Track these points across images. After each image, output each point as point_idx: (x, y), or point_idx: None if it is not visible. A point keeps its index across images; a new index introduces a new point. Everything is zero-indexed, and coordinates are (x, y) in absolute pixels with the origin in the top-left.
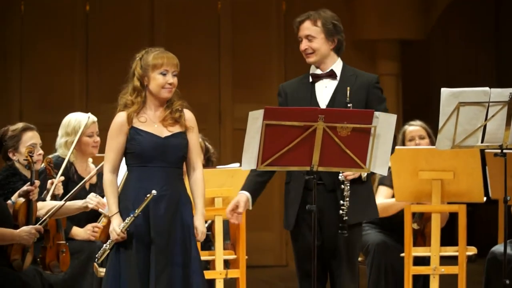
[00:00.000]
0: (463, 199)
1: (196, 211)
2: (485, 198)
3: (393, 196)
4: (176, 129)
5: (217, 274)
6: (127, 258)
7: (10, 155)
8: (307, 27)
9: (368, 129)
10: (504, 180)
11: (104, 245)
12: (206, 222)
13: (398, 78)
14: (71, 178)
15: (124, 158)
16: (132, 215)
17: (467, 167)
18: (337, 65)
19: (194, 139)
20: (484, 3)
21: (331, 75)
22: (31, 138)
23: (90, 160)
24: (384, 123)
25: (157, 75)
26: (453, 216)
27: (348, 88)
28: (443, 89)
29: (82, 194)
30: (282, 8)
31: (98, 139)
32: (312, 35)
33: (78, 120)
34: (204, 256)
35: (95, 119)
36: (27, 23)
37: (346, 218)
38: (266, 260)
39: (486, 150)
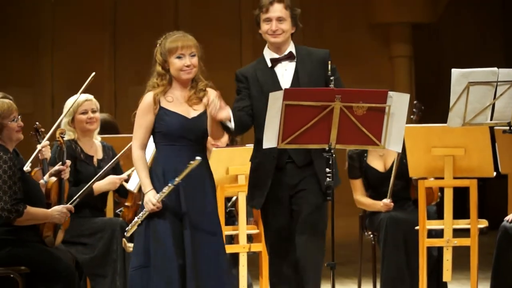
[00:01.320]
0: (474, 174)
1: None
2: (495, 173)
3: (365, 184)
4: (201, 107)
5: (241, 248)
6: (158, 232)
7: None
8: (279, 9)
9: (383, 108)
10: None
11: (136, 217)
12: (230, 199)
13: (410, 60)
14: (78, 158)
15: (152, 137)
16: (171, 184)
17: (478, 144)
18: (292, 47)
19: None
20: None
21: (290, 57)
22: None
23: (98, 138)
24: (398, 102)
25: (174, 59)
26: (464, 190)
27: (329, 62)
28: (453, 70)
29: (91, 170)
30: None
31: (93, 115)
32: (283, 17)
33: (72, 100)
34: (228, 230)
35: (90, 97)
36: (58, 10)
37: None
38: None
39: (495, 127)
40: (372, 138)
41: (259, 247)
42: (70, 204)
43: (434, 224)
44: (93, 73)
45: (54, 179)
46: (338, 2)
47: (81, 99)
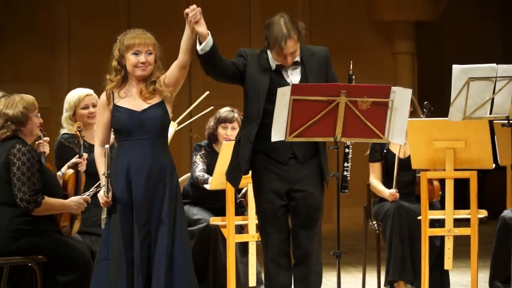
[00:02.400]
0: (474, 166)
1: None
2: (494, 165)
3: (383, 168)
4: (154, 100)
5: (250, 237)
6: (115, 226)
7: None
8: (292, 46)
9: (386, 103)
10: (511, 148)
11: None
12: (239, 190)
13: (413, 57)
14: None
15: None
16: (104, 176)
17: (477, 137)
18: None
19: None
20: None
21: (295, 64)
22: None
23: None
24: (400, 97)
25: (130, 55)
26: (465, 182)
27: (351, 62)
28: (454, 66)
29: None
30: None
31: (93, 109)
32: (296, 49)
33: (73, 95)
34: (238, 220)
35: (90, 91)
36: (73, 9)
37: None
38: None
39: (494, 121)
40: (376, 131)
41: None
42: (87, 195)
43: (436, 214)
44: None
45: (71, 171)
46: (344, 1)
47: (82, 94)
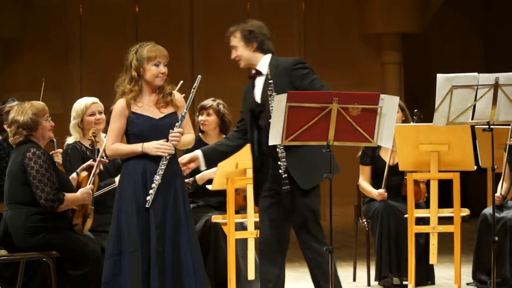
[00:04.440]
0: (457, 168)
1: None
2: (475, 167)
3: (372, 171)
4: (168, 110)
5: (249, 234)
6: (128, 222)
7: (5, 127)
8: (231, 40)
9: (375, 109)
10: (491, 151)
11: (154, 181)
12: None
13: (400, 66)
14: (85, 156)
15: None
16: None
17: (460, 141)
18: (262, 63)
19: (185, 116)
20: (473, 1)
21: (258, 73)
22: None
23: (103, 135)
24: (388, 104)
25: (151, 66)
26: (448, 182)
27: (271, 81)
28: (438, 75)
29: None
30: (302, 8)
31: (100, 116)
32: (235, 45)
33: (80, 103)
34: (238, 218)
35: (96, 100)
36: (84, 23)
37: (285, 175)
38: None
39: (476, 126)
40: (366, 135)
41: None
42: (97, 195)
43: (421, 213)
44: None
45: (85, 173)
46: (335, 14)
47: (88, 102)
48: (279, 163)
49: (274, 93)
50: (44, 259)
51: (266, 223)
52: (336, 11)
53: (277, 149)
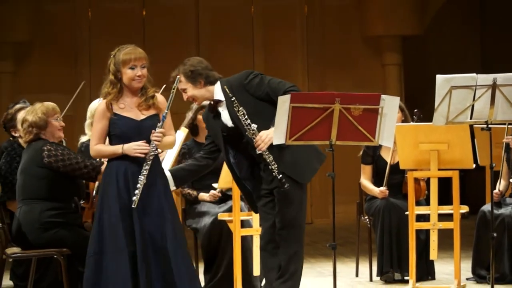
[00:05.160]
0: (456, 166)
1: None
2: (474, 165)
3: (373, 170)
4: (150, 112)
5: (254, 231)
6: (110, 221)
7: (13, 133)
8: (179, 85)
9: (376, 109)
10: (489, 150)
11: (139, 181)
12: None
13: (400, 68)
14: None
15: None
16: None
17: (459, 140)
18: (217, 92)
19: (166, 118)
20: (471, 4)
21: (217, 103)
22: (22, 116)
23: None
24: (389, 104)
25: (127, 70)
26: (448, 180)
27: (234, 98)
28: (438, 76)
29: None
30: (304, 11)
31: None
32: (183, 87)
33: (94, 104)
34: (243, 216)
35: None
36: (93, 27)
37: (280, 176)
38: None
39: (475, 125)
40: (367, 135)
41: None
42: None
43: (422, 210)
44: (164, 85)
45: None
46: (337, 17)
47: None
48: (270, 167)
49: (241, 108)
50: (55, 256)
51: (264, 220)
52: (338, 14)
53: (264, 156)
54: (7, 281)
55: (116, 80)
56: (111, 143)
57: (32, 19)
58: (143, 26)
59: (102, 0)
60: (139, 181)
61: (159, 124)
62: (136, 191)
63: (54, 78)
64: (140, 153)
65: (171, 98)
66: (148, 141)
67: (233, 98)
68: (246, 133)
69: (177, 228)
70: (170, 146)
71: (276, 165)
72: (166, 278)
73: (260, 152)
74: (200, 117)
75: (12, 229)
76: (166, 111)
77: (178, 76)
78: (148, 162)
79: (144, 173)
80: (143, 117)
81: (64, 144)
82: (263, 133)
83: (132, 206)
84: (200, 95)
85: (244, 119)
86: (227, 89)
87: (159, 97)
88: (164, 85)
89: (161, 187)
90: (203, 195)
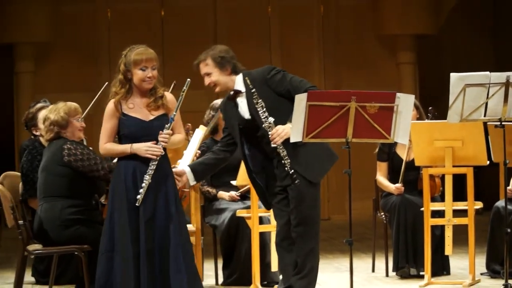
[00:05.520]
0: (470, 163)
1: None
2: (488, 162)
3: (389, 167)
4: (159, 112)
5: (272, 227)
6: (120, 221)
7: (34, 131)
8: (202, 68)
9: (392, 107)
10: (503, 147)
11: (144, 180)
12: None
13: (415, 66)
14: None
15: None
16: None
17: (473, 137)
18: (238, 83)
19: (176, 117)
20: (484, 3)
21: (237, 93)
22: (43, 114)
23: None
24: (404, 102)
25: (137, 70)
26: (462, 177)
27: (254, 89)
28: (452, 74)
29: None
30: (320, 11)
31: None
32: (208, 72)
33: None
34: (261, 212)
35: None
36: (113, 26)
37: (292, 171)
38: None
39: (488, 123)
40: (383, 132)
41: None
42: None
43: (437, 206)
44: (174, 82)
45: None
46: (352, 17)
47: None
48: (283, 161)
49: (260, 100)
50: (76, 253)
51: (279, 217)
52: (353, 14)
53: (278, 150)
54: (29, 277)
55: (125, 80)
56: (120, 143)
57: (53, 20)
58: (161, 26)
59: (121, 0)
60: (144, 180)
61: (167, 126)
62: (141, 190)
63: (74, 78)
64: (152, 154)
65: (180, 100)
66: (156, 141)
67: (253, 90)
68: (263, 125)
69: (183, 228)
70: (179, 144)
71: (289, 160)
72: (166, 279)
73: (275, 146)
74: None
75: (33, 226)
76: (174, 112)
77: (188, 80)
78: (154, 163)
79: (149, 173)
80: (152, 117)
81: (85, 143)
82: (280, 127)
83: (136, 204)
84: (223, 82)
85: (262, 111)
86: (248, 81)
87: (168, 96)
88: (174, 82)
89: (169, 187)
90: (222, 194)
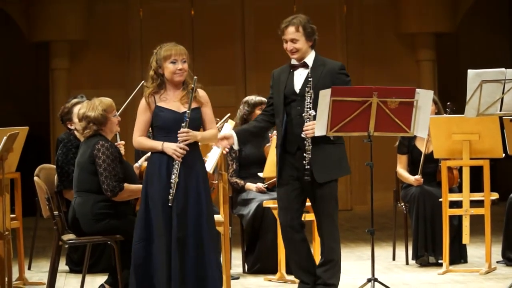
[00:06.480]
0: (487, 155)
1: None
2: (504, 154)
3: (409, 160)
4: (192, 105)
5: None
6: (155, 210)
7: (69, 125)
8: (292, 32)
9: (412, 102)
10: None
11: (173, 176)
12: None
13: (434, 63)
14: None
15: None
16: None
17: (489, 131)
18: (310, 57)
19: (207, 112)
20: (500, 3)
21: (304, 65)
22: (79, 109)
23: None
24: (424, 97)
25: (168, 64)
26: (479, 169)
27: (311, 79)
28: (469, 70)
29: None
30: (343, 11)
31: None
32: (296, 38)
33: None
34: None
35: None
36: (144, 25)
37: (308, 167)
38: None
39: (504, 117)
40: (403, 126)
41: (312, 216)
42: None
43: (455, 197)
44: (195, 77)
45: (146, 163)
46: (374, 16)
47: None
48: (304, 154)
49: (312, 90)
50: (109, 242)
51: (288, 208)
52: (375, 13)
53: (305, 142)
54: (63, 266)
55: (157, 75)
56: (153, 133)
57: (87, 18)
58: (191, 24)
59: (152, 0)
60: (172, 180)
61: (183, 124)
62: (171, 190)
63: (107, 74)
64: (177, 156)
65: (191, 98)
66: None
67: (311, 79)
68: (303, 114)
69: (211, 217)
70: (211, 140)
71: (310, 156)
72: (197, 265)
73: (304, 136)
74: (257, 111)
75: (68, 217)
76: (187, 110)
77: (195, 78)
78: (178, 162)
79: (175, 172)
80: (184, 109)
81: (118, 137)
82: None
83: (169, 204)
84: (304, 51)
85: (309, 101)
86: (319, 61)
87: (201, 92)
88: (195, 77)
89: (200, 173)
90: (250, 185)
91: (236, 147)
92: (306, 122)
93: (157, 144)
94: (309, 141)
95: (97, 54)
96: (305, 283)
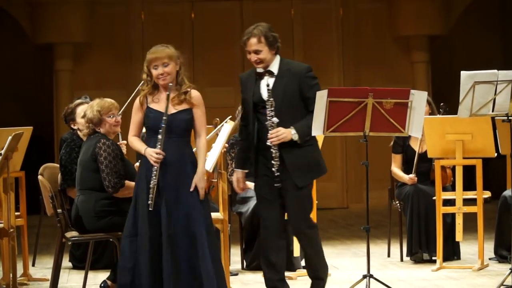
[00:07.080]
0: (479, 155)
1: (197, 170)
2: (496, 154)
3: (403, 159)
4: (183, 106)
5: None
6: (143, 205)
7: (72, 125)
8: (254, 43)
9: (406, 103)
10: (510, 140)
11: (152, 181)
12: None
13: (428, 65)
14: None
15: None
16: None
17: (482, 131)
18: (274, 64)
19: (199, 113)
20: (493, 6)
21: (270, 73)
22: (82, 110)
23: None
24: (418, 98)
25: (152, 69)
26: (472, 168)
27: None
28: (462, 72)
29: None
30: (340, 13)
31: None
32: (259, 49)
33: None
34: None
35: None
36: (146, 28)
37: (278, 173)
38: (331, 204)
39: (496, 117)
40: (398, 126)
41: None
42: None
43: (448, 195)
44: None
45: None
46: (370, 19)
47: None
48: (272, 162)
49: (272, 99)
50: (111, 239)
51: (269, 209)
52: (370, 16)
53: (272, 149)
54: (66, 262)
55: (149, 78)
56: (146, 134)
57: (90, 21)
58: (191, 27)
59: (154, 3)
60: (150, 185)
61: (159, 137)
62: (150, 195)
63: (109, 75)
64: (153, 162)
65: (167, 104)
66: (176, 135)
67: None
68: (266, 122)
69: (206, 214)
70: (204, 149)
71: (278, 163)
72: (191, 261)
73: (270, 144)
74: None
75: (71, 214)
76: (164, 117)
77: (170, 84)
78: (156, 168)
79: (153, 177)
80: (174, 111)
81: (120, 137)
82: (281, 130)
83: (149, 209)
84: (268, 60)
85: (270, 109)
86: (284, 66)
87: (194, 93)
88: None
89: (190, 173)
90: (249, 183)
91: (251, 185)
92: (270, 130)
93: (142, 148)
94: (276, 148)
95: (100, 56)
96: (271, 280)
